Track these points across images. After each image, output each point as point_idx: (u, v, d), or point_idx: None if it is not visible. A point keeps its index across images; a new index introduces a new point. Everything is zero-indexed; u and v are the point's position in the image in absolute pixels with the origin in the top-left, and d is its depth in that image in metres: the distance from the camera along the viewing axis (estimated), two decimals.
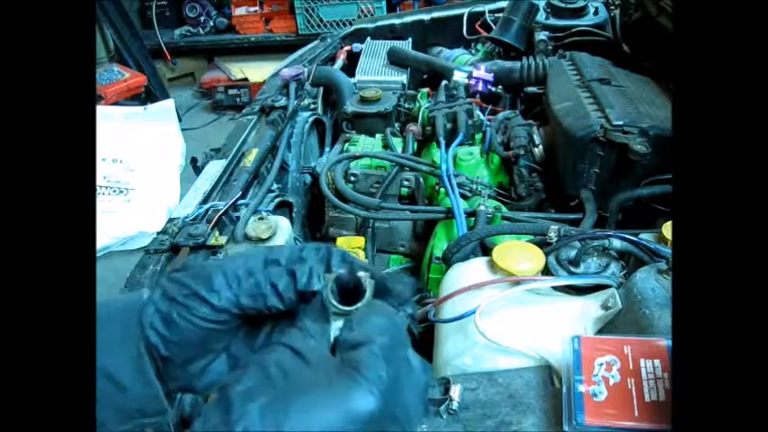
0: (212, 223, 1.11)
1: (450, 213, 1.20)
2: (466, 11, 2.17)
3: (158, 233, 1.13)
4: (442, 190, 1.30)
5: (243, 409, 0.38)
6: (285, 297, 0.46)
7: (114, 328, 0.47)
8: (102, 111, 3.31)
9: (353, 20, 3.87)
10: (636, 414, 0.63)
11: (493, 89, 1.74)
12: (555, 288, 0.89)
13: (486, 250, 1.06)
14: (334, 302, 0.46)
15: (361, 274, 0.48)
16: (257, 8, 4.57)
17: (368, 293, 0.47)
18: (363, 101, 1.69)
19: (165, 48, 4.55)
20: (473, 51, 2.08)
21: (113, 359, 0.46)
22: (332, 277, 0.47)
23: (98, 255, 2.76)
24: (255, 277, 0.47)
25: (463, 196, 1.29)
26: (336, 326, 0.46)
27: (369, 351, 0.41)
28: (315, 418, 0.38)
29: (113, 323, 0.48)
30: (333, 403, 0.39)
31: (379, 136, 1.61)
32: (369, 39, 2.16)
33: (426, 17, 2.22)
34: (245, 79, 4.38)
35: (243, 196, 1.27)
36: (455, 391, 0.72)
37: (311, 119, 1.67)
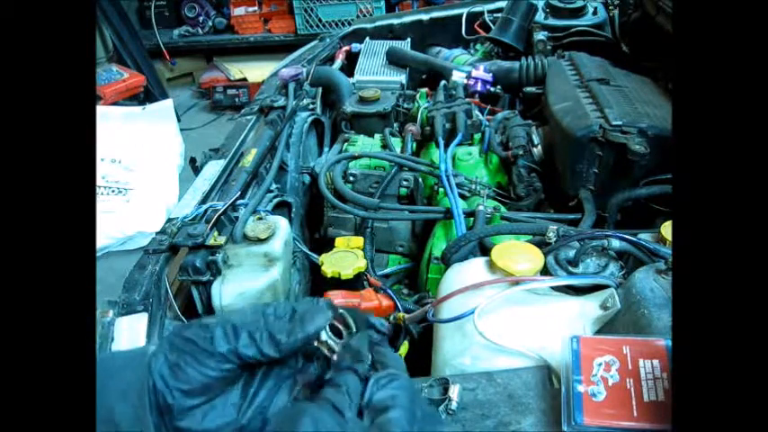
0: (211, 223, 1.11)
1: (448, 213, 1.20)
2: (465, 11, 2.17)
3: (157, 233, 1.13)
4: (441, 190, 1.30)
5: None
6: (282, 346, 0.52)
7: (121, 374, 0.51)
8: (101, 111, 3.31)
9: (352, 20, 3.87)
10: (635, 414, 0.63)
11: (492, 89, 1.74)
12: (554, 288, 0.89)
13: (484, 250, 1.06)
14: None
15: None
16: (256, 8, 4.58)
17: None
18: (362, 101, 1.69)
19: (163, 48, 4.55)
20: (472, 51, 2.08)
21: (118, 405, 0.49)
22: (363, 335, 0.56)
23: (97, 255, 2.75)
24: (252, 328, 0.52)
25: (462, 196, 1.29)
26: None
27: (396, 416, 0.48)
28: None
29: (119, 372, 0.51)
30: None
31: (377, 136, 1.61)
32: (368, 39, 2.16)
33: (425, 17, 2.22)
34: (244, 79, 4.38)
35: (242, 196, 1.27)
36: (454, 391, 0.72)
37: (310, 119, 1.67)
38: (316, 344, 0.55)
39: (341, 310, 0.58)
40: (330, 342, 0.55)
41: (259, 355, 0.51)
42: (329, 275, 1.09)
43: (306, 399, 0.55)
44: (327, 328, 0.55)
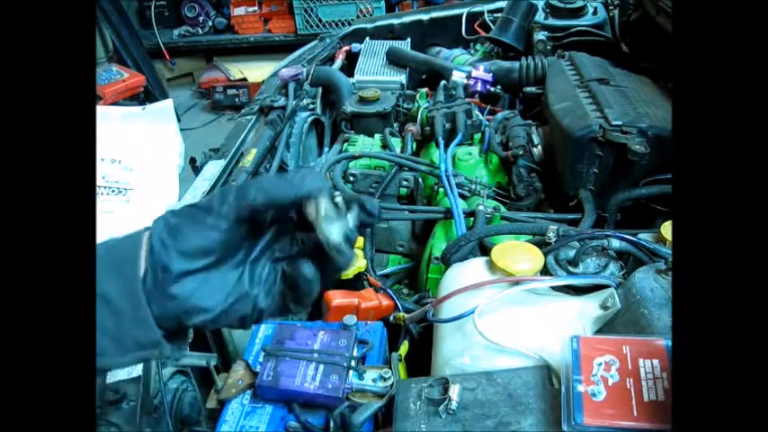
0: None
1: (448, 213, 1.20)
2: (465, 11, 2.17)
3: None
4: (441, 190, 1.30)
5: None
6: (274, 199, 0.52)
7: (112, 252, 0.50)
8: (100, 111, 3.31)
9: (352, 20, 3.87)
10: (635, 414, 0.63)
11: (492, 89, 1.74)
12: (554, 288, 0.89)
13: (484, 250, 1.06)
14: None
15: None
16: (256, 8, 4.57)
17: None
18: (362, 101, 1.69)
19: (163, 48, 4.55)
20: (472, 51, 2.08)
21: (109, 282, 0.48)
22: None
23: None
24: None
25: (462, 196, 1.29)
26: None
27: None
28: None
29: (112, 248, 0.50)
30: None
31: (377, 136, 1.61)
32: (368, 39, 2.16)
33: (425, 17, 2.22)
34: (244, 79, 4.38)
35: None
36: (454, 391, 0.72)
37: (310, 119, 1.67)
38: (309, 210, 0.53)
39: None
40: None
41: (252, 204, 0.51)
42: None
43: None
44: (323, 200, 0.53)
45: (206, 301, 0.51)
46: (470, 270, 0.92)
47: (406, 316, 1.03)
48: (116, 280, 0.49)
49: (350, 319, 0.92)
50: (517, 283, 0.85)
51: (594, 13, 1.98)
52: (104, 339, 0.47)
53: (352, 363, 0.84)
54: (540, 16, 1.98)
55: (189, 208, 0.52)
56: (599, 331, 0.80)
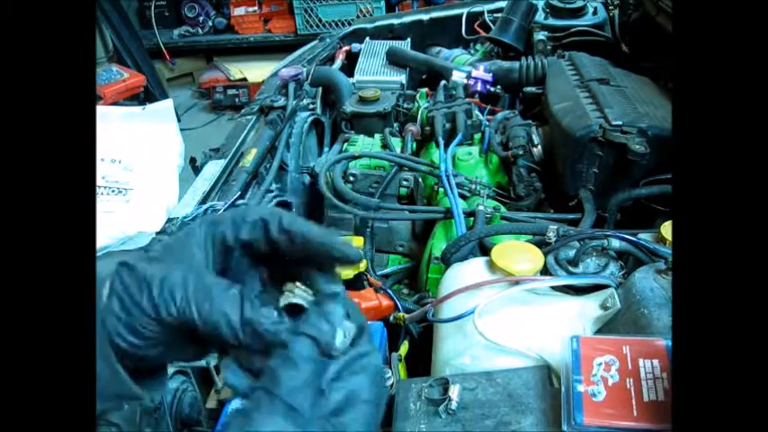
0: None
1: (448, 213, 1.20)
2: (465, 11, 2.17)
3: (157, 233, 1.13)
4: (441, 190, 1.30)
5: None
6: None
7: None
8: (100, 111, 3.31)
9: (352, 20, 3.87)
10: (635, 414, 0.63)
11: (492, 89, 1.74)
12: (554, 288, 0.89)
13: (484, 250, 1.06)
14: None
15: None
16: (256, 8, 4.57)
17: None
18: (362, 101, 1.69)
19: (163, 48, 4.55)
20: (472, 51, 2.08)
21: None
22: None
23: (97, 255, 2.75)
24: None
25: (462, 196, 1.29)
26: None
27: (356, 416, 0.43)
28: None
29: None
30: None
31: (377, 136, 1.61)
32: (368, 39, 2.16)
33: (425, 17, 2.22)
34: (244, 79, 4.38)
35: (242, 196, 1.27)
36: (454, 391, 0.72)
37: (310, 119, 1.67)
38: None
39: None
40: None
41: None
42: None
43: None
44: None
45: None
46: (470, 270, 0.92)
47: (406, 316, 1.03)
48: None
49: None
50: (517, 283, 0.85)
51: (594, 13, 1.98)
52: None
53: None
54: (540, 16, 1.98)
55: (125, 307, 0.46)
56: (599, 331, 0.80)
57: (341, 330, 0.46)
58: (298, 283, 0.49)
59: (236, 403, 0.84)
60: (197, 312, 0.44)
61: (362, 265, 1.12)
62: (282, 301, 0.48)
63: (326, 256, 0.48)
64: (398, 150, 1.51)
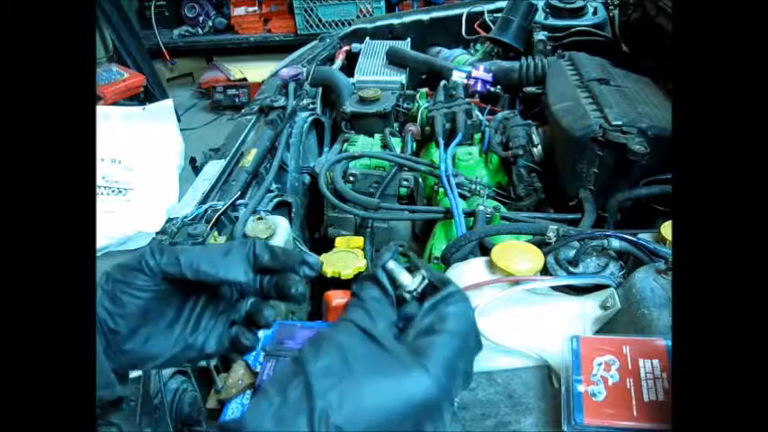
0: (211, 223, 1.11)
1: (449, 213, 1.20)
2: (465, 11, 2.17)
3: (157, 233, 1.13)
4: (441, 190, 1.30)
5: (322, 386, 0.42)
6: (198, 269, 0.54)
7: None
8: (101, 111, 3.31)
9: (352, 20, 3.87)
10: (635, 414, 0.63)
11: (492, 89, 1.74)
12: (554, 288, 0.89)
13: (485, 250, 1.06)
14: (403, 282, 0.50)
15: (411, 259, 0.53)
16: (256, 8, 4.57)
17: (422, 275, 0.50)
18: (362, 101, 1.69)
19: (163, 48, 4.54)
20: (472, 51, 2.08)
21: None
22: (390, 256, 0.51)
23: (97, 255, 2.75)
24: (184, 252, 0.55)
25: (462, 196, 1.29)
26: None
27: (443, 341, 0.45)
28: (385, 400, 0.41)
29: None
30: (400, 388, 0.42)
31: (377, 136, 1.61)
32: (368, 39, 2.16)
33: (425, 17, 2.22)
34: (244, 79, 4.37)
35: (242, 196, 1.27)
36: None
37: (310, 119, 1.67)
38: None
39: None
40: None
41: (178, 273, 0.54)
42: (329, 275, 1.10)
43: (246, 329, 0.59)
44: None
45: (154, 350, 0.57)
46: (470, 270, 0.92)
47: None
48: None
49: None
50: (517, 283, 0.85)
51: (594, 13, 1.98)
52: None
53: None
54: (540, 16, 1.98)
55: (121, 270, 0.55)
56: (599, 331, 0.80)
57: (406, 273, 0.50)
58: None
59: (236, 402, 0.84)
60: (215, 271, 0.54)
61: (363, 265, 1.12)
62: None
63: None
64: (398, 150, 1.51)
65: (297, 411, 0.41)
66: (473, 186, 1.34)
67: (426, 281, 0.50)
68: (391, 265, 0.51)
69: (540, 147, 1.39)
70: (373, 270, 0.51)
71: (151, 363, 0.57)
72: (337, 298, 1.03)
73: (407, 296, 0.50)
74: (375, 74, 1.91)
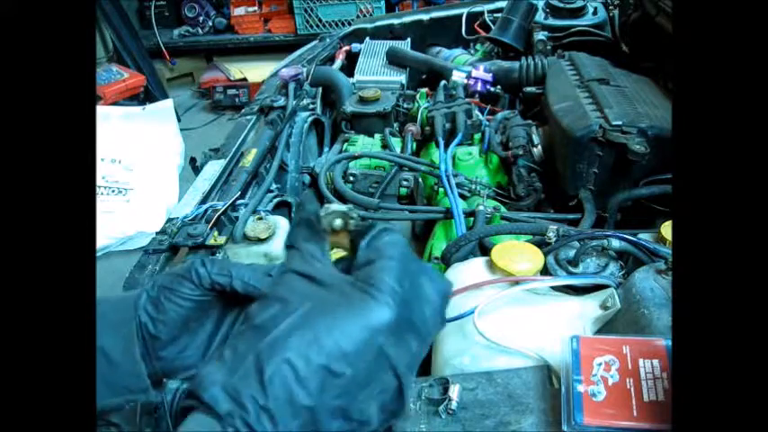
0: (211, 223, 1.11)
1: (449, 213, 1.20)
2: (465, 11, 2.17)
3: (157, 233, 1.13)
4: (441, 190, 1.30)
5: (276, 332, 0.42)
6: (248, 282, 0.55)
7: (112, 314, 0.55)
8: (101, 111, 3.31)
9: (352, 20, 3.87)
10: (635, 414, 0.63)
11: (492, 89, 1.74)
12: (554, 288, 0.89)
13: (484, 250, 1.06)
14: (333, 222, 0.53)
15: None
16: (256, 8, 4.57)
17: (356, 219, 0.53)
18: (362, 101, 1.69)
19: (163, 48, 4.54)
20: (472, 51, 2.08)
21: (108, 338, 0.54)
22: (314, 203, 0.54)
23: (97, 255, 2.75)
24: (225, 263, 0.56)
25: (462, 196, 1.29)
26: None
27: (381, 265, 0.45)
28: (340, 335, 0.41)
29: (112, 310, 0.56)
30: (353, 319, 0.42)
31: (377, 136, 1.61)
32: (368, 39, 2.16)
33: (425, 17, 2.22)
34: (244, 79, 4.38)
35: (242, 196, 1.27)
36: (454, 391, 0.72)
37: (310, 119, 1.67)
38: None
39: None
40: None
41: (228, 284, 0.55)
42: None
43: None
44: None
45: (188, 361, 0.57)
46: (470, 270, 0.92)
47: None
48: (115, 338, 0.54)
49: None
50: (517, 282, 0.85)
51: (594, 13, 1.98)
52: (99, 385, 0.51)
53: None
54: (540, 16, 1.98)
55: (169, 277, 0.56)
56: (599, 331, 0.80)
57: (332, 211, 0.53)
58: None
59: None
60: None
61: None
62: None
63: None
64: (398, 150, 1.51)
65: (244, 363, 0.41)
66: (473, 186, 1.34)
67: (356, 217, 0.53)
68: (316, 208, 0.53)
69: (540, 147, 1.39)
70: (300, 216, 0.52)
71: (183, 373, 0.57)
72: None
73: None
74: (375, 74, 1.91)
